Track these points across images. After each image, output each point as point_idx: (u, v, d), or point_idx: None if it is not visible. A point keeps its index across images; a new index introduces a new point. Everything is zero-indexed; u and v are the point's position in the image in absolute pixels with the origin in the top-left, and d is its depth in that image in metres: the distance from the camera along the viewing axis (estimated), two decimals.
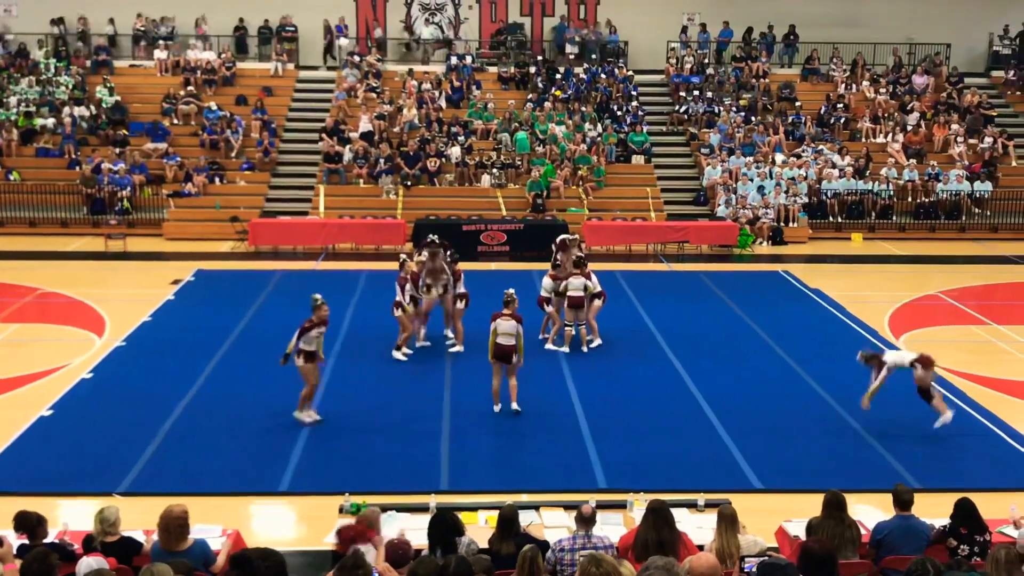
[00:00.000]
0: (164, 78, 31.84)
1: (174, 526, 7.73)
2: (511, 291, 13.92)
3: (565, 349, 16.60)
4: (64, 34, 32.70)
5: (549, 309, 16.87)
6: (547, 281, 16.92)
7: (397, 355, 16.15)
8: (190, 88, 30.94)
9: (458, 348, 16.52)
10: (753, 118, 31.17)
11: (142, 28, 32.93)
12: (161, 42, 32.29)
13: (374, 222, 25.61)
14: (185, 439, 12.78)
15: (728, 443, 12.81)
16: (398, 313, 16.11)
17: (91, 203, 27.00)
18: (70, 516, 9.51)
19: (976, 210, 28.63)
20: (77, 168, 27.86)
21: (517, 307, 13.79)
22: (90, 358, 16.14)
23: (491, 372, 13.82)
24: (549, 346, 16.78)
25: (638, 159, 29.56)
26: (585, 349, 16.64)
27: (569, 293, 16.56)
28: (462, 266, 17.22)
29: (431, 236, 17.78)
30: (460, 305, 16.50)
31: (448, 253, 16.74)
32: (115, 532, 8.18)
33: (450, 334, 16.92)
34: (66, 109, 29.73)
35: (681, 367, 15.96)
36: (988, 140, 30.46)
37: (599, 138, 29.56)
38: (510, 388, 13.70)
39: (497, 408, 13.73)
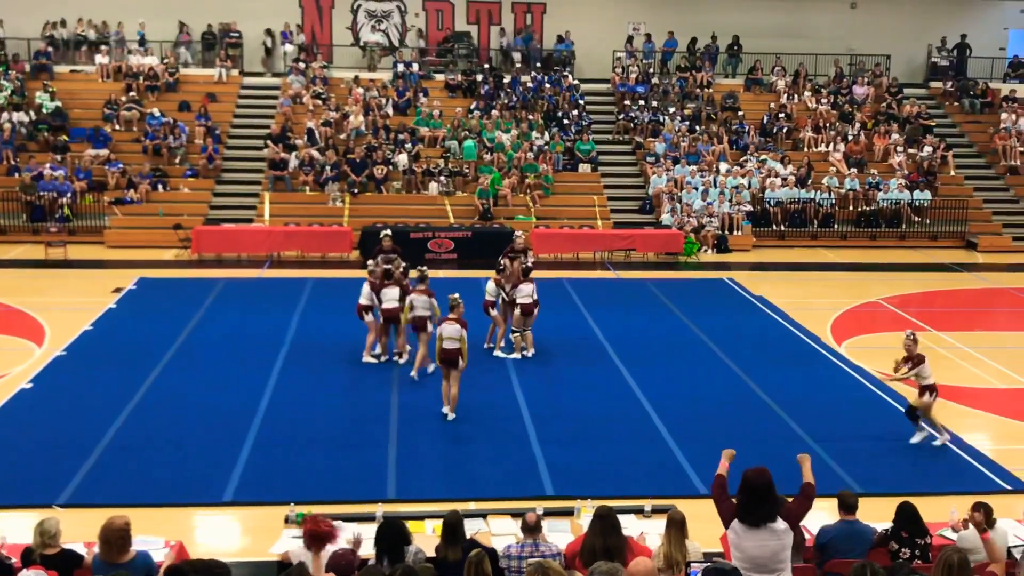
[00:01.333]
0: (106, 84, 31.43)
1: (115, 538, 7.56)
2: (455, 296, 14.00)
3: (517, 356, 16.64)
4: (2, 38, 32.18)
5: (494, 313, 16.84)
6: (491, 285, 16.90)
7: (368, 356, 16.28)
8: (132, 94, 30.59)
9: (406, 359, 16.51)
10: (697, 127, 31.40)
11: (82, 33, 32.48)
12: (103, 47, 31.88)
13: (320, 230, 25.50)
14: (127, 450, 12.62)
15: (674, 449, 12.89)
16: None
17: (31, 210, 26.55)
18: (8, 529, 9.33)
19: (916, 218, 28.98)
20: (16, 175, 27.41)
21: (463, 312, 13.88)
22: (29, 368, 15.93)
23: (438, 374, 14.09)
24: (497, 353, 16.78)
25: (585, 167, 29.72)
26: (519, 356, 16.69)
27: (520, 300, 16.61)
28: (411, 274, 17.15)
29: (385, 232, 17.85)
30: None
31: (401, 264, 16.79)
32: (55, 545, 8.04)
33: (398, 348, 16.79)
34: (4, 115, 29.19)
35: (628, 374, 16.03)
36: (927, 150, 31.02)
37: (546, 146, 29.68)
38: (451, 396, 13.86)
39: (446, 408, 13.92)
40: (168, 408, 14.11)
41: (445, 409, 13.95)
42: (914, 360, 13.33)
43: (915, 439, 13.30)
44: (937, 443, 13.25)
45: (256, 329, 18.25)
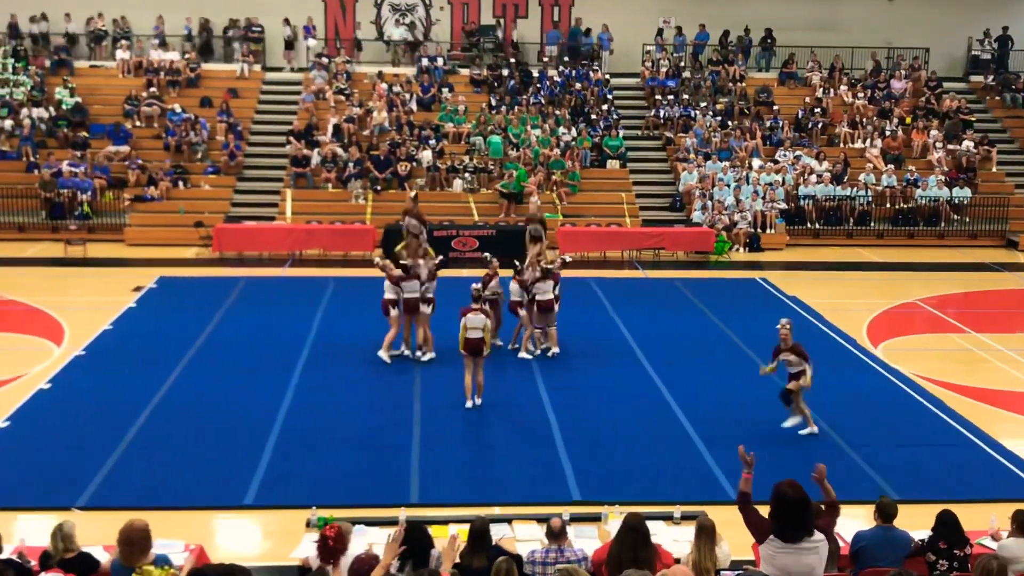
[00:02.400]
0: (126, 79, 31.57)
1: (135, 540, 7.56)
2: (478, 285, 14.55)
3: (525, 355, 16.72)
4: (21, 35, 32.43)
5: (523, 313, 16.84)
6: (514, 286, 16.92)
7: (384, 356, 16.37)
8: (152, 89, 30.75)
9: (430, 355, 16.51)
10: (730, 123, 31.25)
11: (103, 28, 32.73)
12: (124, 42, 32.10)
13: (342, 228, 25.58)
14: (147, 451, 12.66)
15: (704, 453, 12.83)
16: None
17: (50, 207, 26.73)
18: (27, 531, 9.46)
19: (955, 217, 28.71)
20: (35, 171, 27.55)
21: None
22: (48, 368, 15.98)
23: (462, 373, 14.35)
24: (523, 355, 16.78)
25: (613, 164, 29.67)
26: (537, 353, 16.75)
27: (538, 298, 16.66)
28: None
29: (412, 193, 17.87)
30: (427, 309, 16.46)
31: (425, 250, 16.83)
32: (73, 548, 8.08)
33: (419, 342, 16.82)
34: (24, 111, 29.45)
35: (656, 376, 16.00)
36: (967, 145, 30.75)
37: (573, 142, 29.65)
38: (476, 384, 14.24)
39: (469, 404, 14.17)
40: (188, 409, 14.15)
41: (469, 403, 14.16)
42: (791, 349, 13.54)
43: (787, 423, 13.63)
44: (804, 431, 13.52)
45: (277, 329, 18.32)
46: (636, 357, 17.08)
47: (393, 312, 16.25)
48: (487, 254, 17.60)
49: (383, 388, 15.31)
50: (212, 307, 19.79)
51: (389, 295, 16.23)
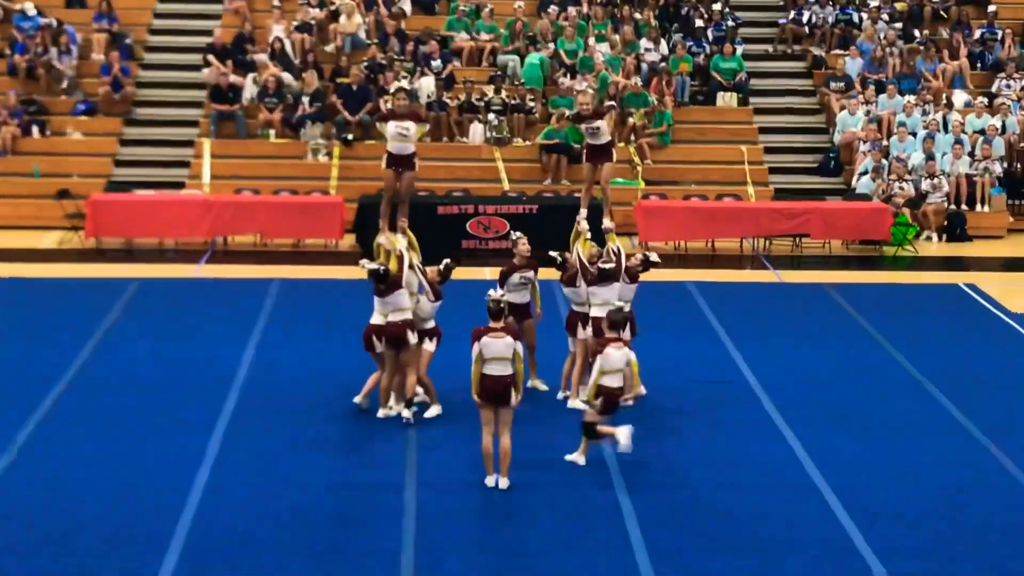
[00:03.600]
0: None
1: None
2: (498, 292, 14.46)
3: (577, 403, 16.50)
4: None
5: (582, 335, 16.76)
6: (568, 292, 17.10)
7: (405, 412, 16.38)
8: None
9: (435, 410, 16.62)
10: (916, 32, 31.11)
11: None
12: None
13: (293, 200, 25.80)
14: None
15: (874, 567, 12.67)
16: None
17: None
18: None
19: None
20: None
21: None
22: None
23: (476, 435, 14.33)
24: (574, 403, 16.67)
25: (728, 98, 29.90)
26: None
27: (593, 313, 16.44)
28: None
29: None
30: (429, 346, 16.57)
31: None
32: None
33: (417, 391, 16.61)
34: None
35: (798, 443, 15.84)
36: None
37: (663, 64, 29.70)
38: (501, 452, 14.14)
39: (491, 481, 14.22)
40: (47, 490, 13.90)
41: (491, 481, 14.22)
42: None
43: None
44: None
45: (188, 362, 18.26)
46: (765, 413, 16.96)
47: (379, 346, 16.39)
48: (516, 233, 17.50)
49: (356, 460, 15.25)
50: (83, 328, 19.62)
51: (379, 319, 16.34)
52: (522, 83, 29.33)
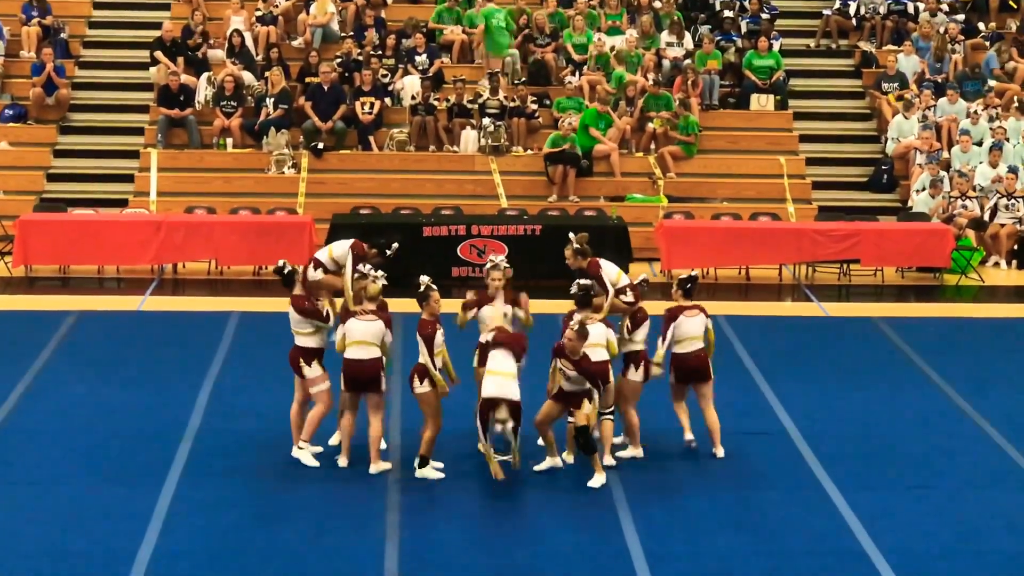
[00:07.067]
0: None
1: None
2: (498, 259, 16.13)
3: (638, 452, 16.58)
4: None
5: (634, 377, 16.47)
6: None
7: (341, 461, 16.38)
8: None
9: (437, 474, 16.10)
10: (982, 25, 31.70)
11: None
12: None
13: (253, 220, 26.09)
14: None
15: None
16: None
17: None
18: None
19: None
20: None
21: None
22: None
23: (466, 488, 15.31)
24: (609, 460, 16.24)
25: (763, 101, 29.90)
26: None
27: (596, 357, 15.78)
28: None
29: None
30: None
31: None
32: None
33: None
34: None
35: (847, 506, 15.34)
36: None
37: (688, 61, 29.78)
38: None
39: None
40: None
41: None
42: None
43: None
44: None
45: (132, 408, 18.13)
46: (807, 467, 16.61)
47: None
48: (498, 258, 17.02)
49: (330, 523, 14.55)
50: (10, 369, 19.53)
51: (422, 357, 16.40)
52: (523, 81, 29.47)
